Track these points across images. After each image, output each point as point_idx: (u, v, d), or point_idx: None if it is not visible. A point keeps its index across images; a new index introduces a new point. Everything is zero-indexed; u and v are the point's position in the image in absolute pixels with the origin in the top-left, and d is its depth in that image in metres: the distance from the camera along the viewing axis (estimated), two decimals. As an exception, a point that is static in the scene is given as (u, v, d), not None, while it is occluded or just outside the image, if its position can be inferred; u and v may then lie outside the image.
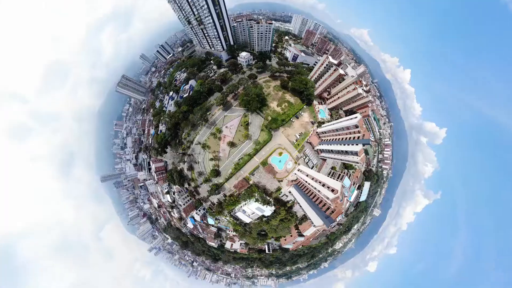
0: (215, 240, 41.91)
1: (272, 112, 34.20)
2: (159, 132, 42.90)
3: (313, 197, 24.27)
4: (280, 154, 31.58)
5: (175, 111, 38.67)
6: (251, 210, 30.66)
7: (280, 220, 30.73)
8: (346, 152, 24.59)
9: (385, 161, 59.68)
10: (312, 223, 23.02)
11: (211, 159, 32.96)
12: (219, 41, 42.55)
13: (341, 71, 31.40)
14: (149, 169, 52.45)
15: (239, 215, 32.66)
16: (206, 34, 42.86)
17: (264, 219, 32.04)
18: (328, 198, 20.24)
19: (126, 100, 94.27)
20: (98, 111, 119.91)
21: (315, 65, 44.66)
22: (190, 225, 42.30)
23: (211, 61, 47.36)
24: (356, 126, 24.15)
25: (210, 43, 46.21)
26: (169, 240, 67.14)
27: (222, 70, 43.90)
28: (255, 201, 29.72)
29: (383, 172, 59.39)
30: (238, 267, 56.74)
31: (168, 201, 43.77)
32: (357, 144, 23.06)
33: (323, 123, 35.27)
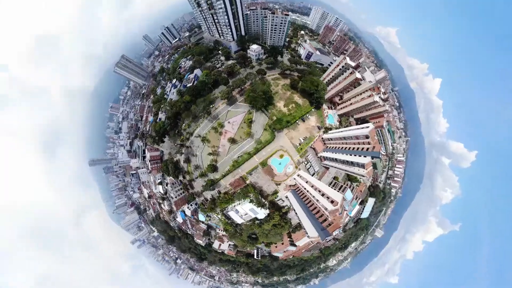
0: (203, 238, 43.92)
1: (277, 112, 35.78)
2: (158, 120, 45.63)
3: (311, 206, 24.36)
4: (281, 156, 33.60)
5: (177, 100, 41.18)
6: (244, 211, 32.37)
7: (273, 225, 32.32)
8: (352, 163, 24.85)
9: (395, 178, 58.84)
10: (306, 233, 23.01)
11: (210, 154, 35.54)
12: (229, 30, 43.63)
13: (358, 75, 31.36)
14: (144, 157, 55.88)
15: (232, 214, 34.47)
16: (216, 21, 43.83)
17: (256, 222, 33.63)
18: (326, 209, 19.95)
19: (124, 83, 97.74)
20: (93, 91, 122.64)
21: (330, 65, 46.05)
22: (179, 219, 44.63)
23: (219, 51, 49.10)
24: (367, 137, 24.21)
25: (220, 31, 47.34)
26: (155, 233, 69.78)
27: (230, 62, 45.38)
28: (250, 202, 31.82)
29: (391, 190, 58.46)
30: (223, 270, 58.70)
31: (159, 192, 46.67)
32: (365, 156, 23.16)
33: (331, 129, 36.48)
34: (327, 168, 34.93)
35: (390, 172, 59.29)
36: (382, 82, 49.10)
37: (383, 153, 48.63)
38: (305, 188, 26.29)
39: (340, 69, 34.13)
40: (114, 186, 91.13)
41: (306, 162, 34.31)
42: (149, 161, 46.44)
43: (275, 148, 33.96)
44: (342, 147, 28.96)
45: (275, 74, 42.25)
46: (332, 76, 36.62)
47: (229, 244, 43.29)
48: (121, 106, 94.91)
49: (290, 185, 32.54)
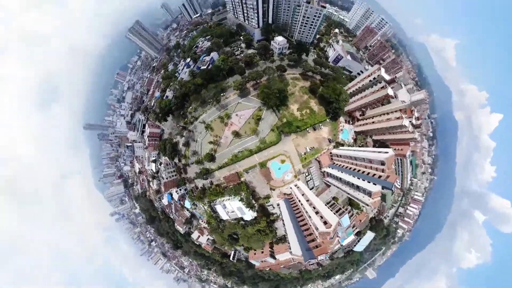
0: (184, 226, 46.91)
1: (289, 114, 37.04)
2: (164, 98, 47.86)
3: (301, 221, 24.47)
4: (283, 161, 35.09)
5: (188, 80, 43.02)
6: (231, 208, 34.75)
7: (258, 230, 34.02)
8: (358, 188, 24.12)
9: (406, 218, 55.04)
10: (290, 248, 22.68)
11: (211, 142, 38.28)
12: (256, 15, 43.55)
13: (390, 91, 29.32)
14: (143, 132, 60.93)
15: (218, 208, 36.95)
16: (243, 1, 43.56)
17: (241, 222, 35.69)
18: (317, 229, 19.42)
19: (136, 51, 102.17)
20: (100, 52, 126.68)
21: (359, 74, 44.93)
22: (165, 201, 48.01)
23: (241, 37, 49.27)
24: (383, 163, 22.74)
25: (246, 14, 47.09)
26: (137, 210, 75.43)
27: (250, 51, 46.71)
28: (239, 200, 34.24)
29: (397, 230, 55.20)
30: (195, 264, 60.83)
31: (151, 170, 50.71)
32: (375, 184, 22.00)
33: (343, 145, 36.89)
34: (328, 186, 35.65)
35: (401, 210, 56.27)
36: (419, 105, 43.15)
37: (397, 185, 44.19)
38: (299, 201, 26.60)
39: (370, 80, 32.35)
40: (106, 155, 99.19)
41: (307, 174, 35.72)
42: (148, 136, 50.70)
43: (278, 151, 35.41)
44: (351, 167, 28.32)
45: (295, 73, 42.89)
46: (359, 87, 35.42)
47: (208, 238, 45.64)
48: (128, 75, 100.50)
49: (285, 193, 34.53)
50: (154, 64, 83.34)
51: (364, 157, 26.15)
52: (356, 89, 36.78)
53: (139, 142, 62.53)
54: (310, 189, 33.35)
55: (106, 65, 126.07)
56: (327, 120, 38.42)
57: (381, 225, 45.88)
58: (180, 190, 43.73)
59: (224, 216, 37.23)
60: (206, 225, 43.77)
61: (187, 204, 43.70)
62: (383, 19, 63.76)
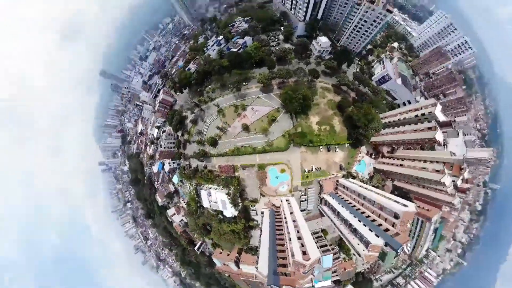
0: (164, 199, 50.77)
1: (306, 125, 37.07)
2: (186, 69, 51.83)
3: (279, 240, 23.50)
4: (282, 171, 35.85)
5: (214, 59, 45.57)
6: (215, 198, 36.23)
7: (232, 230, 34.97)
8: (355, 232, 21.86)
9: None
10: (257, 263, 21.26)
11: (218, 128, 40.37)
12: (304, 6, 42.11)
13: (439, 136, 24.82)
14: (156, 96, 67.57)
15: (203, 194, 38.68)
16: None
17: (219, 216, 37.59)
18: (293, 255, 18.60)
19: (169, 13, 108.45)
20: (135, 4, 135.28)
21: (405, 104, 42.28)
22: (155, 168, 52.42)
23: (281, 27, 49.91)
24: (396, 216, 20.27)
25: (294, 3, 46.23)
26: (125, 168, 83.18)
27: (286, 45, 46.50)
28: (226, 194, 35.96)
29: None
30: (160, 240, 64.13)
31: (152, 135, 56.51)
32: (377, 236, 19.54)
33: (354, 177, 35.78)
34: (322, 215, 35.15)
35: (400, 281, 47.60)
36: (475, 165, 37.35)
37: (406, 250, 36.47)
38: (285, 218, 26.54)
39: (417, 116, 28.17)
40: (114, 106, 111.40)
41: (303, 193, 36.20)
42: (159, 102, 56.48)
43: (282, 159, 36.20)
44: (355, 206, 26.44)
45: (328, 83, 42.10)
46: (400, 119, 31.95)
47: (182, 220, 48.13)
48: (157, 36, 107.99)
49: (273, 204, 35.50)
50: (185, 32, 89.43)
51: (376, 201, 23.60)
52: (394, 121, 33.70)
53: (149, 105, 69.21)
54: (301, 211, 33.77)
55: (137, 19, 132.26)
56: (346, 144, 37.36)
57: (368, 285, 41.75)
58: (173, 163, 47.39)
59: (205, 203, 39.26)
60: (185, 206, 46.20)
61: (175, 179, 46.79)
62: (466, 42, 48.28)
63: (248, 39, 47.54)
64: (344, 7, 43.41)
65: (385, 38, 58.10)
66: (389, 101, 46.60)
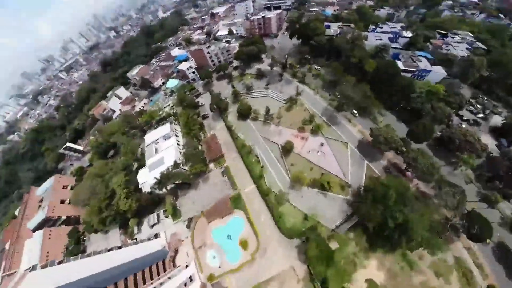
0: (140, 80, 53.58)
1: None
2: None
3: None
4: (244, 244, 21.29)
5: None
6: (164, 133, 32.49)
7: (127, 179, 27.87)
8: None
9: None
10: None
11: (267, 113, 32.52)
12: None
13: None
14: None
15: (166, 127, 34.45)
16: None
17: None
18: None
19: None
20: None
21: None
22: (173, 51, 61.09)
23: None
24: None
25: None
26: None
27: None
28: (188, 167, 27.48)
29: None
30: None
31: (200, 38, 60.64)
32: None
33: None
34: None
35: None
36: None
37: None
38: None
39: None
40: None
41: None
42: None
43: (268, 242, 21.26)
44: None
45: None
46: None
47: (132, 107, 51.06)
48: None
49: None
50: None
51: None
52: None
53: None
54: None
55: None
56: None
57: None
58: (190, 69, 47.29)
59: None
60: (150, 105, 48.73)
61: (170, 83, 49.23)
62: None
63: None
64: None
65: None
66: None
